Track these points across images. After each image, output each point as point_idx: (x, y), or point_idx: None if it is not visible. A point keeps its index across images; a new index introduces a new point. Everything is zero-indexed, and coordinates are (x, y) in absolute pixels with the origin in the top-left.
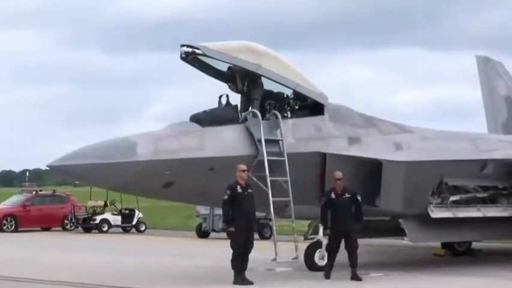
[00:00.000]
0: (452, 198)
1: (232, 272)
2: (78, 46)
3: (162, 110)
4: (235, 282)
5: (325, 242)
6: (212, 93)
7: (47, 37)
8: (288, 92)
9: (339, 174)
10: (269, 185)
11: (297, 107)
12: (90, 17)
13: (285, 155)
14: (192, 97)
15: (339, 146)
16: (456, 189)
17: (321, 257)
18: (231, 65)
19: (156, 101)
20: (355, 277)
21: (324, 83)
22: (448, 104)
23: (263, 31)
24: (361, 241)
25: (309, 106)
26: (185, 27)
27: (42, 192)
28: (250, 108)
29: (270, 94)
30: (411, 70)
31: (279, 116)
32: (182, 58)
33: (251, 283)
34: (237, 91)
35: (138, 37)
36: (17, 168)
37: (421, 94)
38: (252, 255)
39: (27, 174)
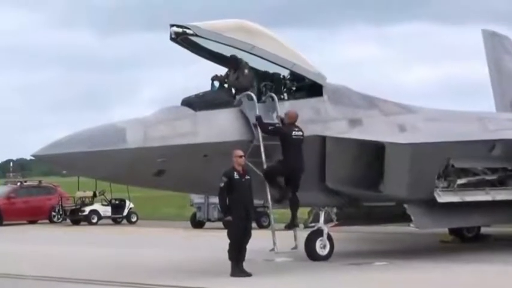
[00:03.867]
0: (460, 181)
1: (229, 263)
2: (66, 27)
3: (155, 94)
4: (233, 273)
5: (326, 230)
6: (207, 75)
7: (32, 17)
8: (285, 73)
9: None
10: None
11: (294, 89)
12: None
13: None
14: (186, 80)
15: (339, 129)
16: (464, 172)
17: (322, 246)
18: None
19: (149, 85)
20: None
21: (327, 62)
22: (459, 82)
23: (261, 9)
24: (364, 228)
25: (306, 87)
26: (179, 6)
27: (28, 183)
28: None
29: (265, 75)
30: (420, 47)
31: (276, 98)
32: (172, 39)
33: (249, 275)
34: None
35: (129, 17)
36: (0, 159)
37: (430, 72)
38: (250, 245)
39: (11, 164)
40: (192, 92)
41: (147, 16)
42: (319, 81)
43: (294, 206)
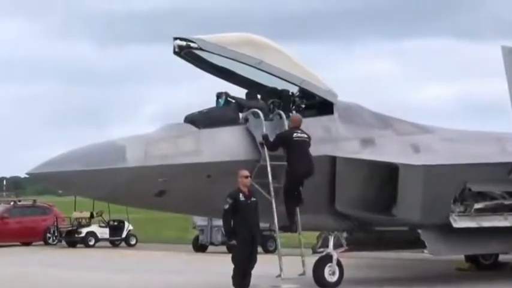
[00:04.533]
0: (477, 205)
1: None
2: (63, 38)
3: (157, 110)
4: None
5: (335, 255)
6: (212, 91)
7: (27, 28)
8: (293, 89)
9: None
10: (272, 193)
11: (303, 106)
12: (77, 5)
13: None
14: (190, 96)
15: (350, 149)
16: (481, 196)
17: (331, 272)
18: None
19: (151, 100)
20: None
21: (339, 78)
22: (478, 101)
23: (271, 21)
24: (376, 254)
25: (316, 105)
26: (183, 18)
27: (22, 203)
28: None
29: (273, 92)
30: (437, 63)
31: (284, 115)
32: (175, 52)
33: None
34: None
35: (130, 28)
36: None
37: (448, 89)
38: (255, 271)
39: (5, 182)
40: (196, 108)
41: (150, 28)
42: (329, 98)
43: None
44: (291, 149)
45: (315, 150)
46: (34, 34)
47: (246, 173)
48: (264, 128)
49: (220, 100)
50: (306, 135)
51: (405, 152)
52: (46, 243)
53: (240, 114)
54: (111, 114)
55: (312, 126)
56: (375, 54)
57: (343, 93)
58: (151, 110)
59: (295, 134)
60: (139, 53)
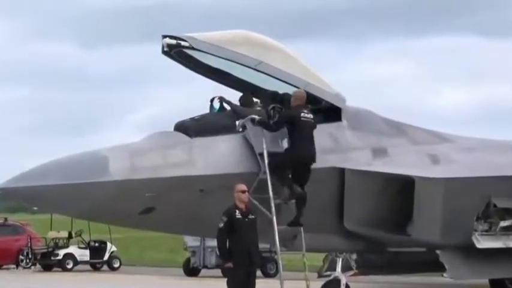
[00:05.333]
0: (503, 223)
1: None
2: (44, 38)
3: (148, 116)
4: None
5: (344, 279)
6: (208, 95)
7: (4, 26)
8: None
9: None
10: (273, 209)
11: None
12: (58, 2)
13: None
14: (183, 101)
15: (360, 160)
16: (507, 213)
17: None
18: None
19: (142, 105)
20: None
21: (347, 81)
22: (503, 106)
23: (275, 18)
24: (390, 278)
25: (322, 110)
26: (179, 13)
27: None
28: None
29: (274, 96)
30: (460, 63)
31: None
32: (164, 52)
33: None
34: None
35: (119, 26)
36: None
37: (469, 94)
38: None
39: None
40: (189, 114)
41: (141, 26)
42: (337, 103)
43: (301, 202)
44: (296, 130)
45: (321, 162)
46: (12, 34)
47: (243, 187)
48: (264, 137)
49: (214, 105)
50: (312, 117)
51: (422, 163)
52: (19, 267)
53: (237, 122)
54: (96, 121)
55: (318, 135)
56: (387, 55)
57: (350, 98)
58: (142, 116)
59: (302, 114)
60: (129, 54)
